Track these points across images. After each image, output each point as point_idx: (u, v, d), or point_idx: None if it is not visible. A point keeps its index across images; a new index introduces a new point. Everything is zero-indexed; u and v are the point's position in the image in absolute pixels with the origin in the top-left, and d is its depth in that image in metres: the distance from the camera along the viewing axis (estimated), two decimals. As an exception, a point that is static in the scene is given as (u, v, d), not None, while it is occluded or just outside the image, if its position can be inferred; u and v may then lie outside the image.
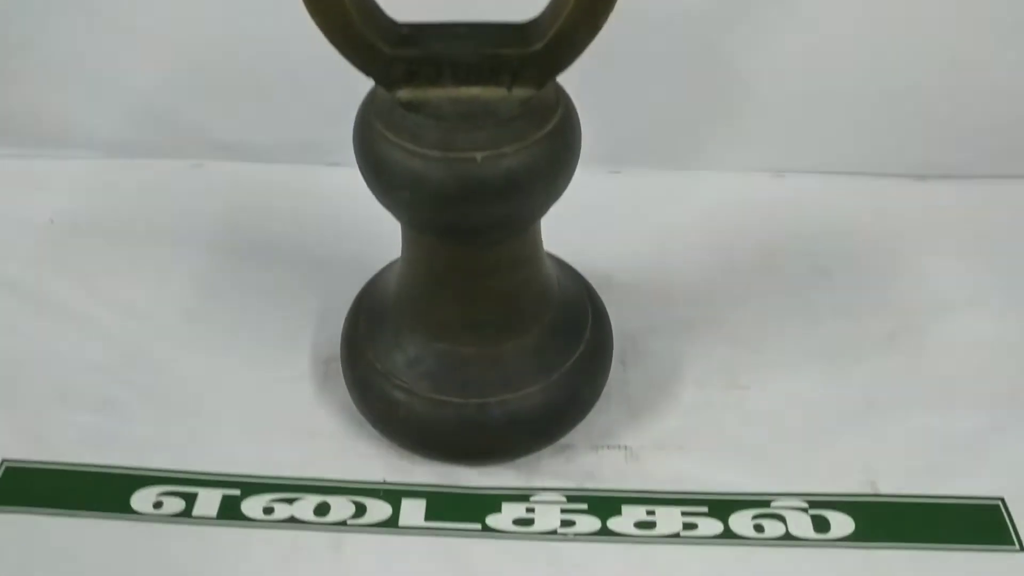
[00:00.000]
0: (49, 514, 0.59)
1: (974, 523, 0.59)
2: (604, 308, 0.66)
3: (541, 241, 0.60)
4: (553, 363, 0.60)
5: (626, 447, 0.64)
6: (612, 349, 0.65)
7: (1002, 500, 0.60)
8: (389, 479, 0.61)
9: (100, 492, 0.59)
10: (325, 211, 0.82)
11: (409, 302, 0.60)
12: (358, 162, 0.53)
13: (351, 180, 0.82)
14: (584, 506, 0.60)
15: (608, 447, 0.64)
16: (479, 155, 0.48)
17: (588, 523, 0.59)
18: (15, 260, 0.76)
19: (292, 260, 0.77)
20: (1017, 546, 0.58)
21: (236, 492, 0.60)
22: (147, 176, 0.85)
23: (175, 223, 0.81)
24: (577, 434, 0.64)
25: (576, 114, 0.54)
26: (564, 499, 0.60)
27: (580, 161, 0.57)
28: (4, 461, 0.61)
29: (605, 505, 0.60)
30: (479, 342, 0.59)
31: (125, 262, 0.77)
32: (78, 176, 0.85)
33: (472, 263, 0.56)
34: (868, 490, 0.61)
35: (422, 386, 0.59)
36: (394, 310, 0.61)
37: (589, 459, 0.63)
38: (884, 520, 0.59)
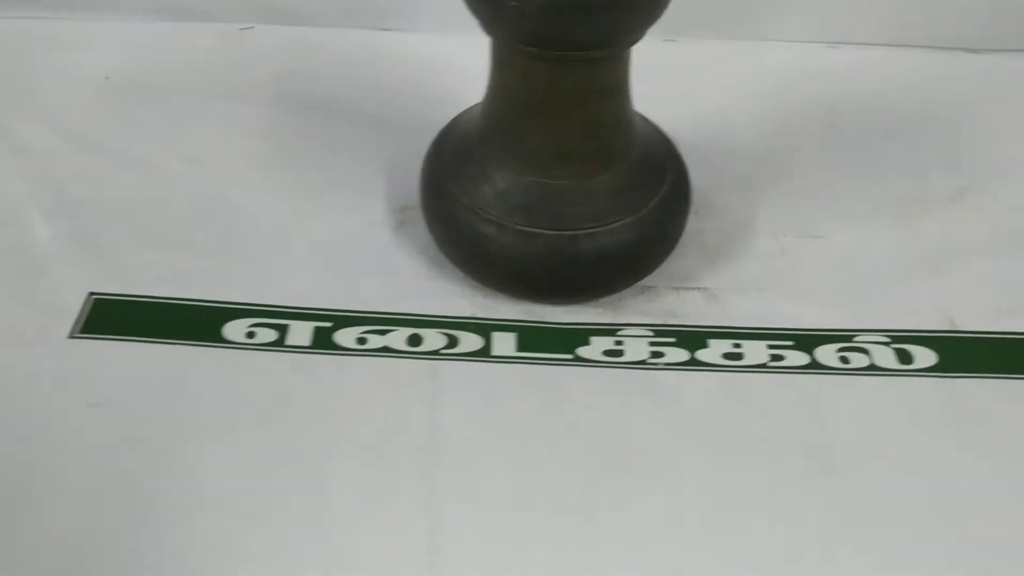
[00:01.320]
0: (142, 342, 0.58)
1: (1053, 357, 0.60)
2: (680, 153, 0.66)
3: (630, 73, 0.59)
4: (640, 199, 0.61)
5: (706, 288, 0.64)
6: (691, 191, 0.65)
7: (1080, 335, 0.61)
8: (476, 315, 0.61)
9: (191, 323, 0.59)
10: (378, 74, 0.82)
11: (498, 134, 0.60)
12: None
13: (402, 45, 0.83)
14: (671, 339, 0.61)
15: (688, 288, 0.64)
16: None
17: (676, 354, 0.60)
18: (77, 115, 0.75)
19: (351, 119, 0.77)
20: (1097, 376, 0.59)
21: (328, 324, 0.60)
22: (197, 38, 0.84)
23: (230, 83, 0.80)
24: (656, 277, 0.64)
25: None
26: (651, 333, 0.61)
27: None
28: (92, 294, 0.61)
29: (692, 338, 0.61)
30: (569, 174, 0.59)
31: (185, 116, 0.76)
32: (127, 38, 0.84)
33: (567, 87, 0.56)
34: (948, 327, 0.62)
35: (513, 218, 0.59)
36: (481, 144, 0.61)
37: (670, 299, 0.64)
38: (965, 353, 0.60)
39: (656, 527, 0.52)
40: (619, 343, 0.60)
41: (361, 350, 0.59)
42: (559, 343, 0.60)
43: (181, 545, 0.50)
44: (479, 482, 0.52)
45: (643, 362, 0.59)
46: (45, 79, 0.78)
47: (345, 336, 0.59)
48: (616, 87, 0.59)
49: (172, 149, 0.72)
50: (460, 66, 0.80)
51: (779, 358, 0.60)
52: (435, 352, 0.59)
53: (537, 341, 0.60)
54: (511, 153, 0.60)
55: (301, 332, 0.59)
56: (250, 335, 0.59)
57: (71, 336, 0.58)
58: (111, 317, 0.59)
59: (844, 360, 0.60)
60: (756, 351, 0.60)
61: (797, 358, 0.60)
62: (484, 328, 0.61)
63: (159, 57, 0.82)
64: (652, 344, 0.60)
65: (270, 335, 0.59)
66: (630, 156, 0.61)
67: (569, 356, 0.59)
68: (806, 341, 0.61)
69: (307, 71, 0.82)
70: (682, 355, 0.60)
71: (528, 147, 0.59)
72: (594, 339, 0.60)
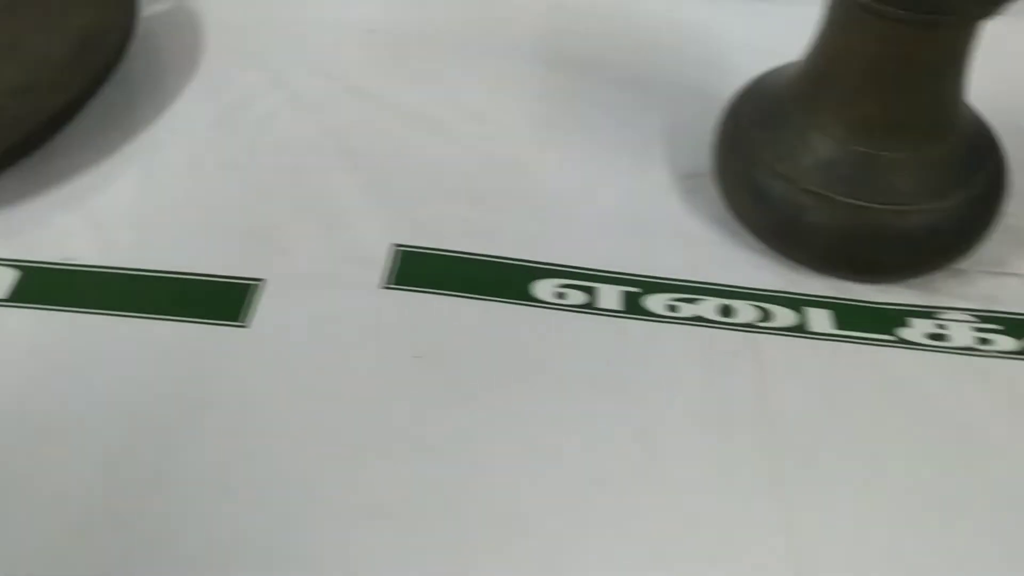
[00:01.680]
0: (452, 295, 0.58)
1: None
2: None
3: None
4: (971, 176, 0.57)
5: (1024, 275, 0.61)
6: (1008, 171, 0.61)
7: None
8: (786, 289, 0.59)
9: (498, 279, 0.58)
10: (646, 39, 0.79)
11: (826, 100, 0.57)
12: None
13: (672, 12, 0.81)
14: (998, 327, 0.57)
15: (1005, 274, 0.61)
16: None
17: (1005, 343, 0.57)
18: (348, 67, 0.75)
19: (620, 82, 0.75)
20: None
21: (636, 289, 0.58)
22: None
23: (496, 41, 0.78)
24: (966, 260, 0.61)
25: None
26: (974, 319, 0.58)
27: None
28: (396, 246, 0.60)
29: (1020, 327, 0.57)
30: (902, 146, 0.56)
31: (453, 72, 0.75)
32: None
33: (923, 54, 0.53)
34: None
35: (836, 190, 0.56)
36: (799, 111, 0.58)
37: (987, 284, 0.60)
38: None
39: (1000, 522, 0.49)
40: (941, 327, 0.57)
41: (673, 317, 0.57)
42: (878, 323, 0.57)
43: (518, 496, 0.49)
44: (824, 462, 0.50)
45: (971, 348, 0.56)
46: (313, 30, 0.78)
47: (655, 302, 0.58)
48: (962, 56, 0.55)
49: (446, 104, 0.72)
50: (728, 33, 0.78)
51: (1123, 355, 0.56)
52: (750, 325, 0.57)
53: (854, 319, 0.57)
54: (839, 121, 0.57)
55: (610, 296, 0.58)
56: (560, 295, 0.58)
57: (383, 287, 0.58)
58: (418, 269, 0.59)
59: None
60: (1097, 346, 0.56)
61: None
62: (795, 302, 0.58)
63: (422, 12, 0.81)
64: (976, 330, 0.57)
65: (580, 297, 0.58)
66: (962, 131, 0.58)
67: (891, 337, 0.56)
68: None
69: (573, 32, 0.80)
70: (1011, 344, 0.56)
71: (861, 115, 0.56)
72: (913, 320, 0.58)
